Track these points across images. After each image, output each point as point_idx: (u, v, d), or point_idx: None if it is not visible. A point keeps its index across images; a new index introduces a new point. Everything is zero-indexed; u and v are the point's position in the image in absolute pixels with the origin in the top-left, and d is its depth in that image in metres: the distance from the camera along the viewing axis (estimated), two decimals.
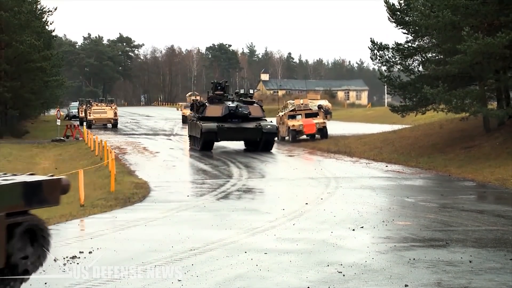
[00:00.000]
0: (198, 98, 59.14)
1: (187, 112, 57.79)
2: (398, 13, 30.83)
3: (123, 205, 16.24)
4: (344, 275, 9.23)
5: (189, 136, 34.63)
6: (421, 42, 30.77)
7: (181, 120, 59.23)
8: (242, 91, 34.48)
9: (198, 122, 31.56)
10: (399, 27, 30.85)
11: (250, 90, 35.33)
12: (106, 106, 55.67)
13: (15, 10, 41.91)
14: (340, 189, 18.71)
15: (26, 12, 43.46)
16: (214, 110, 31.71)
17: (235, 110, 31.36)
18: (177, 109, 63.90)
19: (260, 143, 31.20)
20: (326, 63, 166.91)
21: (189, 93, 67.87)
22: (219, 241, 11.65)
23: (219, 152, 31.18)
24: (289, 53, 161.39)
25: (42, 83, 48.94)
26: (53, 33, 59.31)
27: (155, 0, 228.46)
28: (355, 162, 26.56)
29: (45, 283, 8.98)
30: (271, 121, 33.04)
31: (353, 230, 12.55)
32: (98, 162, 26.37)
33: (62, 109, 76.40)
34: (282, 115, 39.02)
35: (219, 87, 33.92)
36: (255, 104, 32.58)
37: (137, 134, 45.49)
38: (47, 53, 47.03)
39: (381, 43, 31.00)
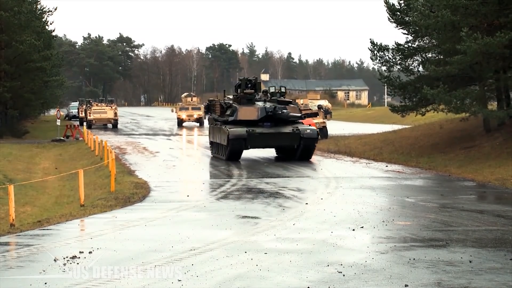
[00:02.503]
0: (195, 99, 58.02)
1: (183, 114, 53.46)
2: (398, 13, 30.82)
3: (123, 205, 16.24)
4: (344, 275, 9.23)
5: (211, 142, 29.56)
6: (421, 42, 30.75)
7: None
8: (272, 89, 28.82)
9: (223, 127, 26.48)
10: (399, 27, 30.84)
11: (282, 88, 29.33)
12: (106, 106, 55.71)
13: (15, 10, 41.89)
14: (340, 189, 18.71)
15: (26, 12, 43.45)
16: (247, 113, 26.39)
17: (274, 112, 26.19)
18: (172, 111, 57.25)
19: (297, 150, 26.40)
20: (326, 63, 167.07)
21: (185, 94, 61.60)
22: (219, 241, 11.66)
23: None
24: (289, 53, 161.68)
25: (42, 83, 48.93)
26: (53, 33, 59.23)
27: (155, 0, 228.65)
28: (355, 162, 26.55)
29: (45, 283, 8.98)
30: (309, 124, 28.52)
31: (353, 230, 12.56)
32: (98, 162, 26.37)
33: (62, 109, 76.41)
34: None
35: (249, 85, 28.04)
36: (292, 105, 27.42)
37: (137, 134, 45.49)
38: (47, 53, 47.01)
39: (381, 44, 30.99)
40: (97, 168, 24.48)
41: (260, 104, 26.79)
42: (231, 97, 28.93)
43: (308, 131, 26.20)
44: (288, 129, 26.15)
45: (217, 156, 28.17)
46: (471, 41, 22.95)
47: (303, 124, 27.41)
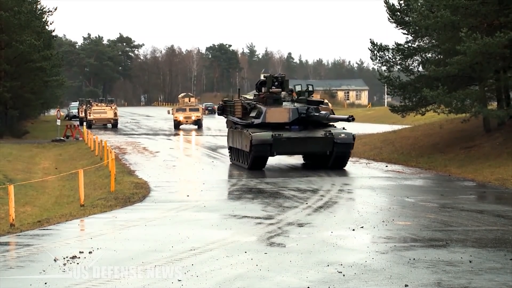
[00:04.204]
0: (193, 99, 57.00)
1: (180, 116, 50.56)
2: (398, 13, 30.80)
3: (123, 205, 16.25)
4: (344, 275, 9.23)
5: (230, 148, 26.54)
6: (421, 43, 30.74)
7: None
8: (299, 88, 25.16)
9: (245, 131, 23.46)
10: (399, 28, 30.81)
11: (309, 86, 25.46)
12: (106, 106, 55.77)
13: (15, 10, 41.88)
14: (340, 189, 18.71)
15: (26, 12, 43.43)
16: (276, 114, 23.34)
17: (307, 114, 23.22)
18: (168, 112, 54.57)
19: (330, 157, 23.27)
20: (326, 63, 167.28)
21: (182, 94, 57.49)
22: (219, 241, 11.66)
23: (220, 152, 31.14)
24: (289, 53, 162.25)
25: (42, 83, 48.92)
26: (53, 33, 59.21)
27: (155, 0, 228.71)
28: (355, 162, 26.53)
29: (45, 283, 8.99)
30: (343, 128, 23.83)
31: (353, 230, 12.56)
32: (98, 162, 26.37)
33: (62, 109, 76.47)
34: None
35: (275, 83, 24.81)
36: (323, 105, 24.29)
37: (137, 134, 45.50)
38: (47, 53, 47.00)
39: (381, 44, 30.96)
40: (97, 168, 24.48)
41: (288, 104, 23.87)
42: (247, 96, 27.08)
43: (342, 135, 22.96)
44: (319, 133, 23.07)
45: (236, 163, 25.27)
46: (471, 41, 22.94)
47: (335, 127, 24.08)
